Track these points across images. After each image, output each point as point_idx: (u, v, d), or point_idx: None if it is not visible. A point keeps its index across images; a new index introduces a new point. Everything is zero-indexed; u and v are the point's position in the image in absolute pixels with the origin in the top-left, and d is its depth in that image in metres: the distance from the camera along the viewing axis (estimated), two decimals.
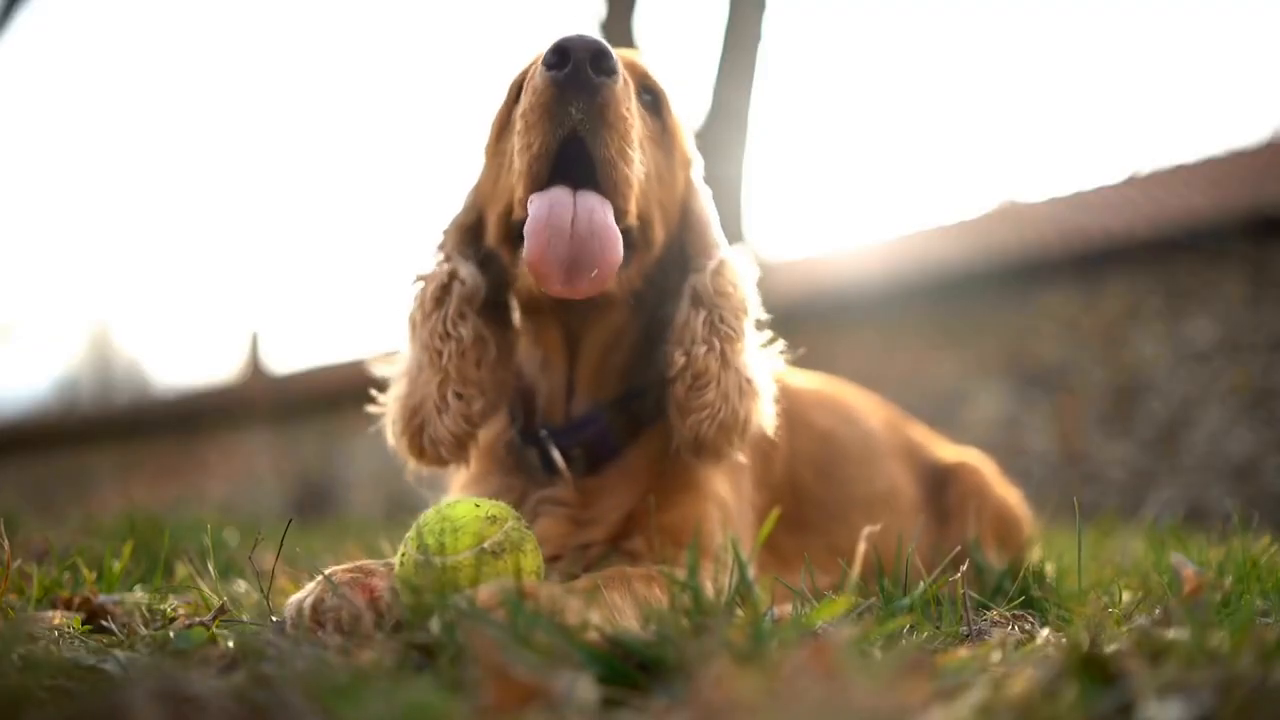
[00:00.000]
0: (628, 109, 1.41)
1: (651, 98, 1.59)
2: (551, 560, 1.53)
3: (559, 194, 1.38)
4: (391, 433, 1.64)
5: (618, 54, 1.43)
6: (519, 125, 1.43)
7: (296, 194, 59.90)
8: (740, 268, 1.63)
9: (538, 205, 1.39)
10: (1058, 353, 9.75)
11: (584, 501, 1.60)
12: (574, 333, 1.62)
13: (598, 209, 1.38)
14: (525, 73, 1.53)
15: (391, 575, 1.32)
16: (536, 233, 1.36)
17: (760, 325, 1.69)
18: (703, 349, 1.52)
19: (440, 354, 1.55)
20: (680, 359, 1.53)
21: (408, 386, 1.62)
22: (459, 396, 1.55)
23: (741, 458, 1.66)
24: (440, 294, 1.58)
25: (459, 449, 1.58)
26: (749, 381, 1.55)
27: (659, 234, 1.58)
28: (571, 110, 1.37)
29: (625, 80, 1.42)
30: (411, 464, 1.65)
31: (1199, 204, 9.51)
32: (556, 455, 1.60)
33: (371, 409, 1.71)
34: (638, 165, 1.44)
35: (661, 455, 1.63)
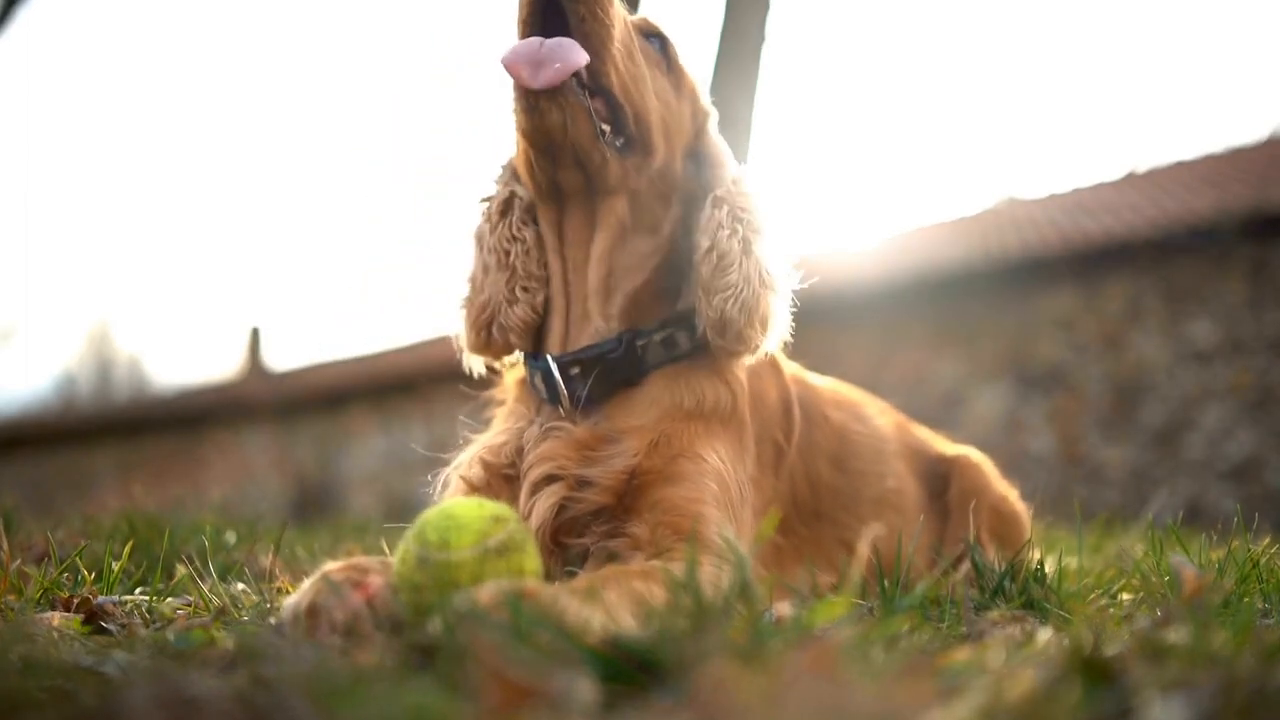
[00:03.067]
0: None
1: (658, 41, 1.78)
2: (547, 481, 1.61)
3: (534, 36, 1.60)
4: (463, 332, 1.86)
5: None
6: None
7: (297, 192, 59.96)
8: (757, 185, 1.78)
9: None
10: (1058, 353, 9.74)
11: (592, 437, 1.65)
12: (572, 216, 1.73)
13: (565, 39, 1.56)
14: None
15: (388, 573, 1.31)
16: (511, 47, 1.57)
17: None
18: (726, 233, 1.68)
19: (508, 254, 1.78)
20: (705, 243, 1.69)
21: (473, 289, 1.84)
22: (525, 290, 1.77)
23: (740, 377, 1.76)
24: (504, 207, 1.82)
25: (526, 334, 1.80)
26: (768, 274, 1.70)
27: (659, 144, 1.73)
28: None
29: None
30: (479, 362, 1.88)
31: (1199, 204, 9.50)
32: (559, 379, 1.70)
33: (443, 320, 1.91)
34: (617, 29, 1.61)
35: (672, 401, 1.69)
